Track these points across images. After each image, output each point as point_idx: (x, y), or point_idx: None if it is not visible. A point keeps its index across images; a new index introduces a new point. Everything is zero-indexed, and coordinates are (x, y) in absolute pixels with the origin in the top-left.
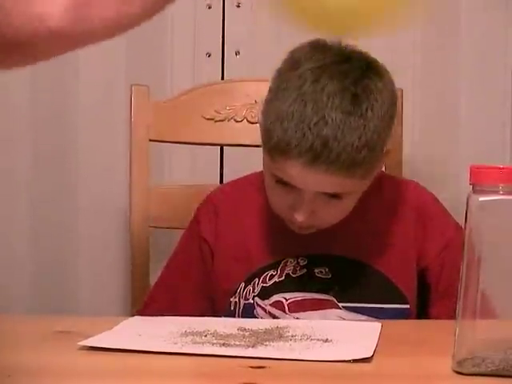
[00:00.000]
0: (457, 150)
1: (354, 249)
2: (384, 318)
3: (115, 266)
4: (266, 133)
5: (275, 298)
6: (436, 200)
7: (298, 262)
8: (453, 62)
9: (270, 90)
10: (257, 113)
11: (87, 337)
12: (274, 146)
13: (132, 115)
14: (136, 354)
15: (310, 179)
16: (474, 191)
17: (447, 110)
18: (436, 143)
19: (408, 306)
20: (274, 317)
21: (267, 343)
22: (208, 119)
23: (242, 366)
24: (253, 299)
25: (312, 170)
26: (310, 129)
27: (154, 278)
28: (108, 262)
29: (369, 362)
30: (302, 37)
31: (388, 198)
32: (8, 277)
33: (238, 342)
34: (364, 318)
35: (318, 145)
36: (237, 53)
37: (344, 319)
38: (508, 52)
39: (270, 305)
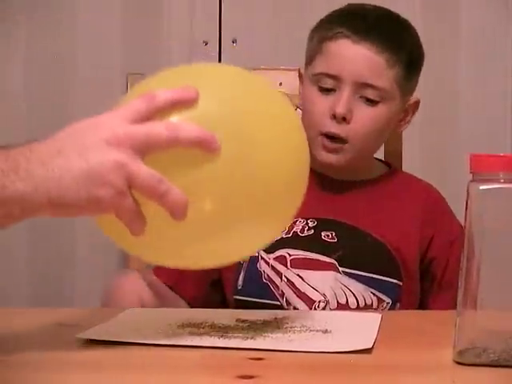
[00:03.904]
0: (457, 139)
1: (361, 220)
2: (377, 289)
3: (113, 256)
4: (315, 34)
5: (279, 252)
6: (444, 200)
7: (306, 223)
8: (453, 48)
9: None
10: None
11: (84, 329)
12: (326, 34)
13: None
14: (133, 347)
15: (356, 57)
16: (474, 180)
17: (447, 97)
18: (435, 132)
19: (401, 284)
20: (276, 271)
21: (266, 334)
22: None
23: (241, 357)
24: (257, 252)
25: (358, 46)
26: (360, 10)
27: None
28: (106, 251)
29: (369, 353)
30: (301, 26)
31: (399, 186)
32: (6, 272)
33: (236, 334)
34: (359, 285)
35: (369, 19)
36: (234, 41)
37: (340, 283)
38: (508, 37)
39: (274, 259)
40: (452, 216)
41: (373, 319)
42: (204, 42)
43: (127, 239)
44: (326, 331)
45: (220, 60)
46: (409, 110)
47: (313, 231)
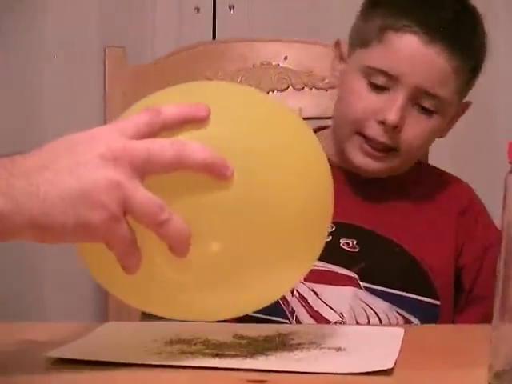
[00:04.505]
0: (492, 125)
1: (388, 226)
2: (404, 309)
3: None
4: (375, 13)
5: None
6: (480, 201)
7: None
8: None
9: None
10: (256, 77)
11: (55, 346)
12: (390, 23)
13: (106, 83)
14: (113, 368)
15: (422, 61)
16: None
17: (483, 83)
18: (467, 117)
19: (438, 303)
20: None
21: (268, 353)
22: None
23: (239, 379)
24: None
25: (427, 48)
26: (433, 6)
27: None
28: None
29: (389, 374)
30: None
31: (432, 186)
32: None
33: (233, 352)
34: (383, 304)
35: (445, 14)
36: (231, 7)
37: (361, 300)
38: None
39: None
40: (488, 218)
41: (394, 335)
42: (196, 8)
43: (114, 278)
44: (339, 349)
45: (214, 30)
46: (459, 112)
47: (330, 238)
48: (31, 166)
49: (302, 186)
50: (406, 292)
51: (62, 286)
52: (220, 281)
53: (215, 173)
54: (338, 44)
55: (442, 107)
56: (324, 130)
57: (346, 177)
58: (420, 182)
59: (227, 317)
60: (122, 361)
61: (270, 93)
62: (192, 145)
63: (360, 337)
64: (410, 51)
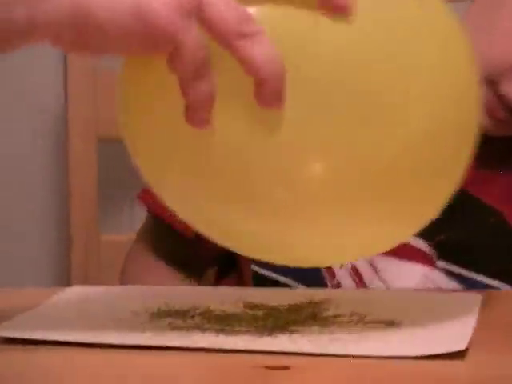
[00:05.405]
0: None
1: (486, 187)
2: None
3: (43, 213)
4: None
5: None
6: None
7: None
8: None
9: None
10: None
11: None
12: None
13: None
14: (78, 350)
15: None
16: None
17: None
18: None
19: None
20: None
21: (293, 328)
22: None
23: (253, 365)
24: None
25: None
26: None
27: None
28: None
29: (461, 358)
30: None
31: None
32: None
33: (244, 328)
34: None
35: None
36: None
37: (433, 284)
38: None
39: None
40: None
41: (467, 304)
42: None
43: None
44: (390, 323)
45: None
46: None
47: None
48: None
49: (451, 105)
50: (503, 282)
51: (6, 239)
52: (314, 211)
53: (258, 87)
54: None
55: None
56: None
57: None
58: None
59: (311, 264)
60: (91, 341)
61: None
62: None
63: (419, 307)
64: None
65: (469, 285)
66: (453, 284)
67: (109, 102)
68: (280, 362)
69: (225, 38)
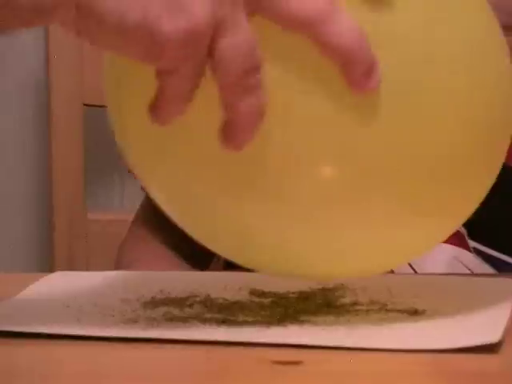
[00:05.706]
0: None
1: None
2: None
3: (23, 189)
4: None
5: None
6: None
7: None
8: None
9: None
10: None
11: None
12: None
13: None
14: (62, 343)
15: None
16: None
17: None
18: None
19: None
20: None
21: (304, 318)
22: None
23: (259, 360)
24: None
25: None
26: None
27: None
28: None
29: (494, 351)
30: None
31: None
32: None
33: (250, 318)
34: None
35: None
36: None
37: (463, 265)
38: None
39: None
40: None
41: (501, 290)
42: None
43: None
44: (414, 312)
45: None
46: None
47: None
48: None
49: (485, 99)
50: None
51: None
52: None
53: (348, 70)
54: None
55: None
56: None
57: None
58: None
59: (323, 279)
60: (77, 333)
61: None
62: (343, 17)
63: (446, 293)
64: None
65: (503, 268)
66: (485, 267)
67: (95, 67)
68: (289, 356)
69: (227, 76)
